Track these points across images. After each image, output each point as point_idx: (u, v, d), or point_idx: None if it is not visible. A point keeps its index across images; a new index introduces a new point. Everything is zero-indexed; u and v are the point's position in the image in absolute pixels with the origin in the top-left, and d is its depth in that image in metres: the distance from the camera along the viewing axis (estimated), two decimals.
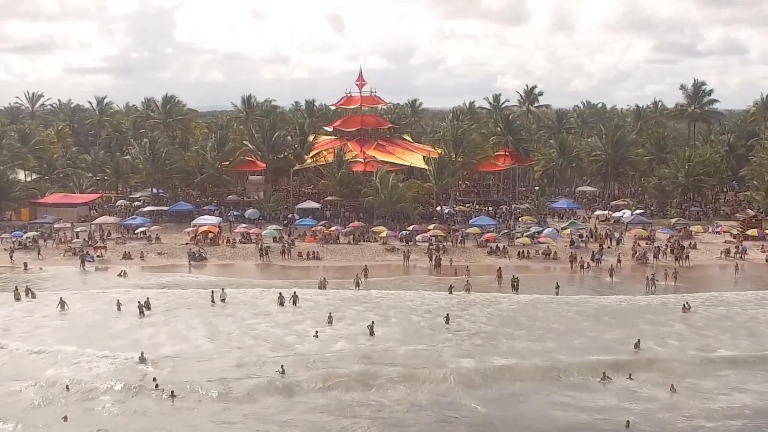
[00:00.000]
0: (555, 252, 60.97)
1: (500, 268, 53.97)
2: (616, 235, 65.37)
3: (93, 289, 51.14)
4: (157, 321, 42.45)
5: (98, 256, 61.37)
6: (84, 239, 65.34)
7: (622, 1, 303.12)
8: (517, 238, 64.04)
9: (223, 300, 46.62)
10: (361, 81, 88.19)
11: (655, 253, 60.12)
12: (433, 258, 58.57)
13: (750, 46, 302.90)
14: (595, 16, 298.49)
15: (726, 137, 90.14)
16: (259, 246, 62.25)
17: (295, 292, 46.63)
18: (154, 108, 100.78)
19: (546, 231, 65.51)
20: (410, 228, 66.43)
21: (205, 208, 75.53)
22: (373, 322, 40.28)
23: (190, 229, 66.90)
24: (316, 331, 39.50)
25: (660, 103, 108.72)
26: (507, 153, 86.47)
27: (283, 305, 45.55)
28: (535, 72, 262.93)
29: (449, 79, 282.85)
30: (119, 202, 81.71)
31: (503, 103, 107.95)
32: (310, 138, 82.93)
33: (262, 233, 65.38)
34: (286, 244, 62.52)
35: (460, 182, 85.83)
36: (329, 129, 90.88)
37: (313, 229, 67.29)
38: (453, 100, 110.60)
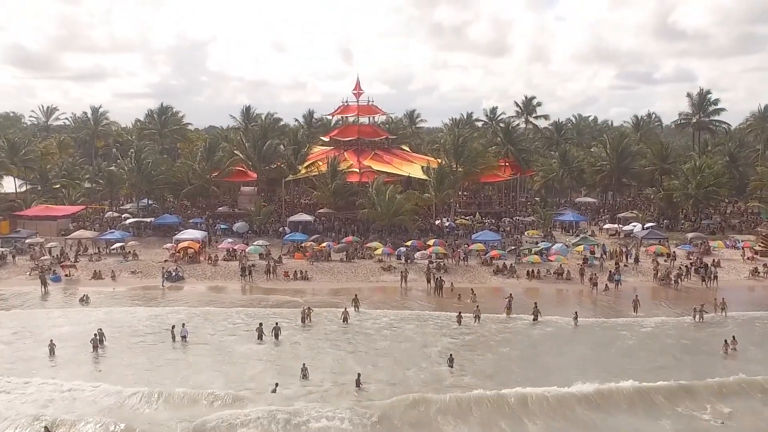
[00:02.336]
0: (568, 271, 48.49)
1: (511, 295, 41.12)
2: (633, 251, 52.80)
3: (39, 318, 39.12)
4: (91, 372, 30.09)
5: (67, 276, 49.18)
6: (56, 256, 53.03)
7: (590, 36, 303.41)
8: (525, 255, 51.48)
9: (183, 338, 34.33)
10: (358, 90, 76.47)
11: (680, 273, 47.56)
12: (433, 280, 46.11)
13: (699, 75, 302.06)
14: (566, 49, 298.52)
15: (727, 147, 77.64)
16: (242, 264, 49.71)
17: (277, 324, 35.27)
18: (152, 119, 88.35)
19: (555, 247, 52.95)
20: (408, 243, 53.86)
21: (191, 221, 62.82)
22: (359, 375, 28.19)
23: (169, 245, 54.30)
24: (276, 385, 27.53)
25: (654, 115, 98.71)
26: (507, 163, 74.16)
27: (261, 339, 34.24)
28: (515, 97, 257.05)
29: (442, 103, 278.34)
30: (108, 213, 69.22)
31: (499, 115, 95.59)
32: (305, 148, 69.98)
33: (247, 250, 52.77)
34: (272, 263, 50.00)
35: (460, 193, 73.33)
36: (326, 139, 78.60)
37: (303, 244, 54.72)
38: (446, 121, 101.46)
